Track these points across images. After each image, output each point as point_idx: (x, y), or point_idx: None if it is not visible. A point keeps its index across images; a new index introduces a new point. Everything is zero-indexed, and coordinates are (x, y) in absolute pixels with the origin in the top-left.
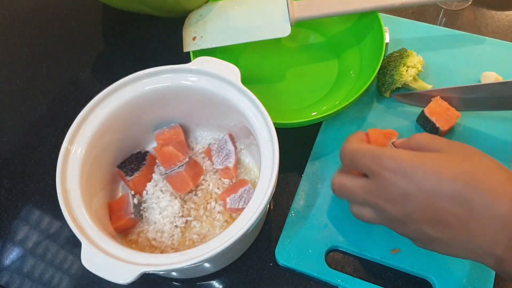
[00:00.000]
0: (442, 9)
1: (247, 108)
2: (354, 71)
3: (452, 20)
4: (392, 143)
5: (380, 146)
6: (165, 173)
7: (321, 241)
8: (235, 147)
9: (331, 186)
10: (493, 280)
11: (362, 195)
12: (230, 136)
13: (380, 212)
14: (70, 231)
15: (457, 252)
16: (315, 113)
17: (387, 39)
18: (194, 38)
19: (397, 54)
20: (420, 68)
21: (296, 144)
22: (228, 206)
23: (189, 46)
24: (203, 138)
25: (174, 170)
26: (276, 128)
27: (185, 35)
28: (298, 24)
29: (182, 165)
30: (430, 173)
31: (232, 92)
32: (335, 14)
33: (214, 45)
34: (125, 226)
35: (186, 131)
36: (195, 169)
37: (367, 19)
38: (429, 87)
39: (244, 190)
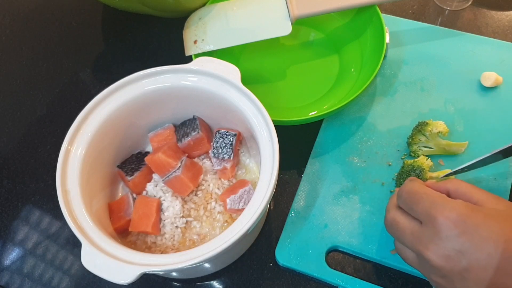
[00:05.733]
0: (442, 9)
1: (247, 108)
2: (355, 68)
3: (452, 20)
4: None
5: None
6: (163, 179)
7: (321, 241)
8: (237, 147)
9: (384, 220)
10: None
11: (410, 239)
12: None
13: (422, 262)
14: (70, 231)
15: None
16: (315, 112)
17: (387, 39)
18: (195, 42)
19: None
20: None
21: (296, 144)
22: (228, 207)
23: (190, 49)
24: None
25: (171, 174)
26: (276, 127)
27: (186, 39)
28: (297, 22)
29: (178, 169)
30: (495, 232)
31: (232, 93)
32: (335, 9)
33: (216, 47)
34: (125, 227)
35: None
36: (193, 170)
37: (366, 13)
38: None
39: (244, 190)
